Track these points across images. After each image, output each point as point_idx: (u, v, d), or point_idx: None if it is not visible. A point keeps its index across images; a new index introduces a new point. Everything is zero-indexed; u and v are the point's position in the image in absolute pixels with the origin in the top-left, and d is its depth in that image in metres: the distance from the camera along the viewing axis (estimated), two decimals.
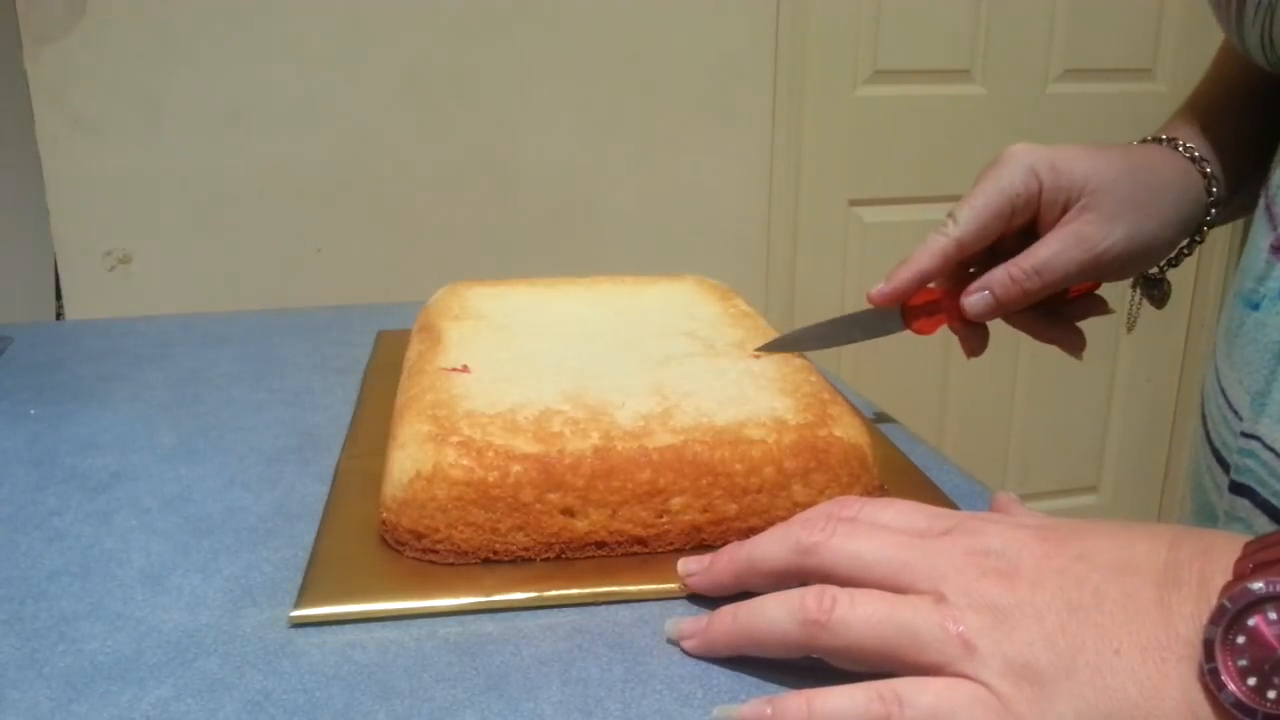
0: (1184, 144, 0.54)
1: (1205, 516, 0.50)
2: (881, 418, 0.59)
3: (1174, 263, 0.57)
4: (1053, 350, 0.57)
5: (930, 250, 0.52)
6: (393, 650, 0.36)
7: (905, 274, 0.53)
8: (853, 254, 1.68)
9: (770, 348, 0.53)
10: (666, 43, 1.51)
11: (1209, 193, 0.54)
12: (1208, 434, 0.50)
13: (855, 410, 0.49)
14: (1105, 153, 0.51)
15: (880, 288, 0.53)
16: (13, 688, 0.34)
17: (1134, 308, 0.60)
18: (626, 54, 1.51)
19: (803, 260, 1.66)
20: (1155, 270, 0.57)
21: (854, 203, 1.67)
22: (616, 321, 0.57)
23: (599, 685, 0.34)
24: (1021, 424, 1.88)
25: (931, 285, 0.54)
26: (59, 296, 1.37)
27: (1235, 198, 0.56)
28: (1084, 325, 0.57)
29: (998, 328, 0.55)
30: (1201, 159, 0.54)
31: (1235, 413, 0.45)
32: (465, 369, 0.49)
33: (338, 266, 1.46)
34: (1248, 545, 0.28)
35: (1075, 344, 0.56)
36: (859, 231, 1.68)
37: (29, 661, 0.35)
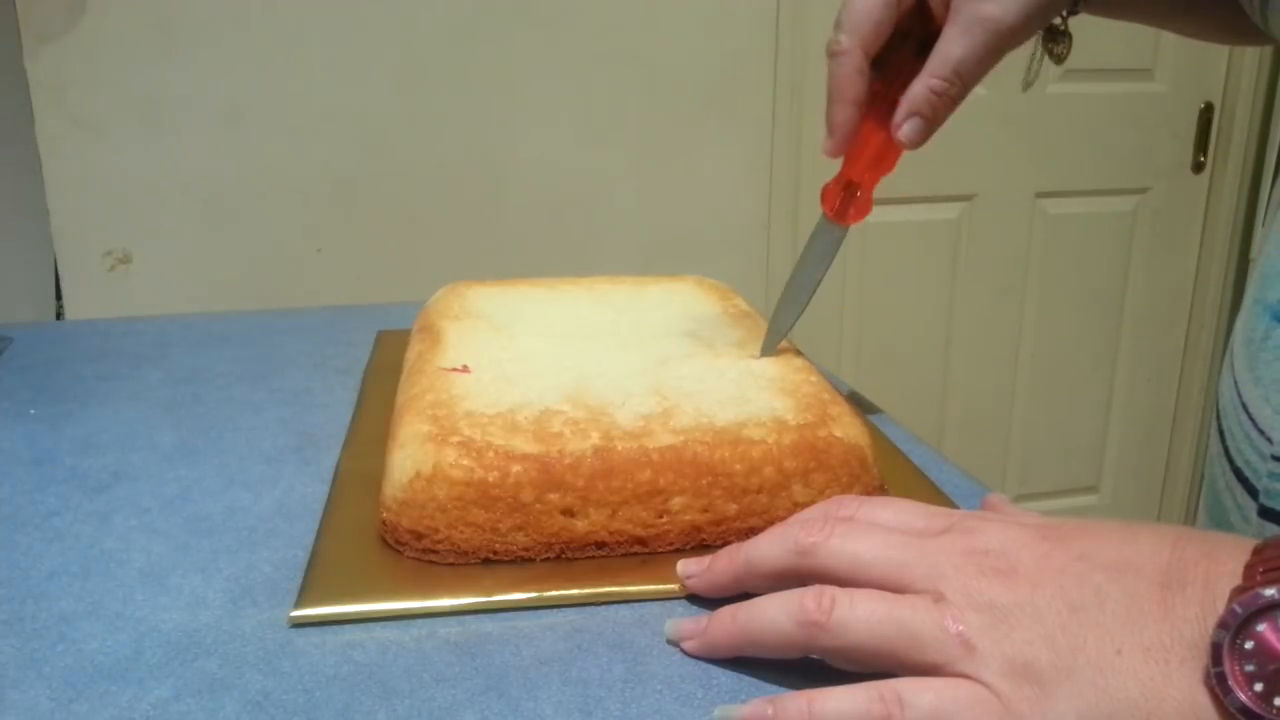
0: None
1: None
2: (880, 415, 0.59)
3: (1075, 11, 0.53)
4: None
5: (841, 77, 0.49)
6: (393, 650, 0.36)
7: (838, 114, 0.50)
8: (853, 254, 1.68)
9: (768, 348, 0.52)
10: (666, 43, 1.52)
11: None
12: (1227, 450, 0.46)
13: (855, 410, 0.49)
14: None
15: (828, 144, 0.51)
16: (13, 688, 0.34)
17: (1034, 63, 0.56)
18: (626, 54, 1.51)
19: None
20: (1057, 21, 0.54)
21: None
22: (616, 321, 0.57)
23: (599, 685, 0.34)
24: (1021, 424, 1.88)
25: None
26: (59, 296, 1.37)
27: None
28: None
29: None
30: None
31: (1262, 433, 0.42)
32: (465, 369, 0.48)
33: (338, 266, 1.46)
34: (1257, 549, 0.28)
35: None
36: (859, 231, 1.67)
37: (29, 661, 0.35)
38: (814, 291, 0.53)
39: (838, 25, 0.49)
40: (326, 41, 1.38)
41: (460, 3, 1.41)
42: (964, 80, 0.47)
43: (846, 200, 0.52)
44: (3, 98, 1.30)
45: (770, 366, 0.50)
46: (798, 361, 0.51)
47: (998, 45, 0.47)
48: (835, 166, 0.52)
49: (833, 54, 0.49)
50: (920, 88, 0.47)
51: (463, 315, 0.57)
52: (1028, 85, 0.58)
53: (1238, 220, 1.84)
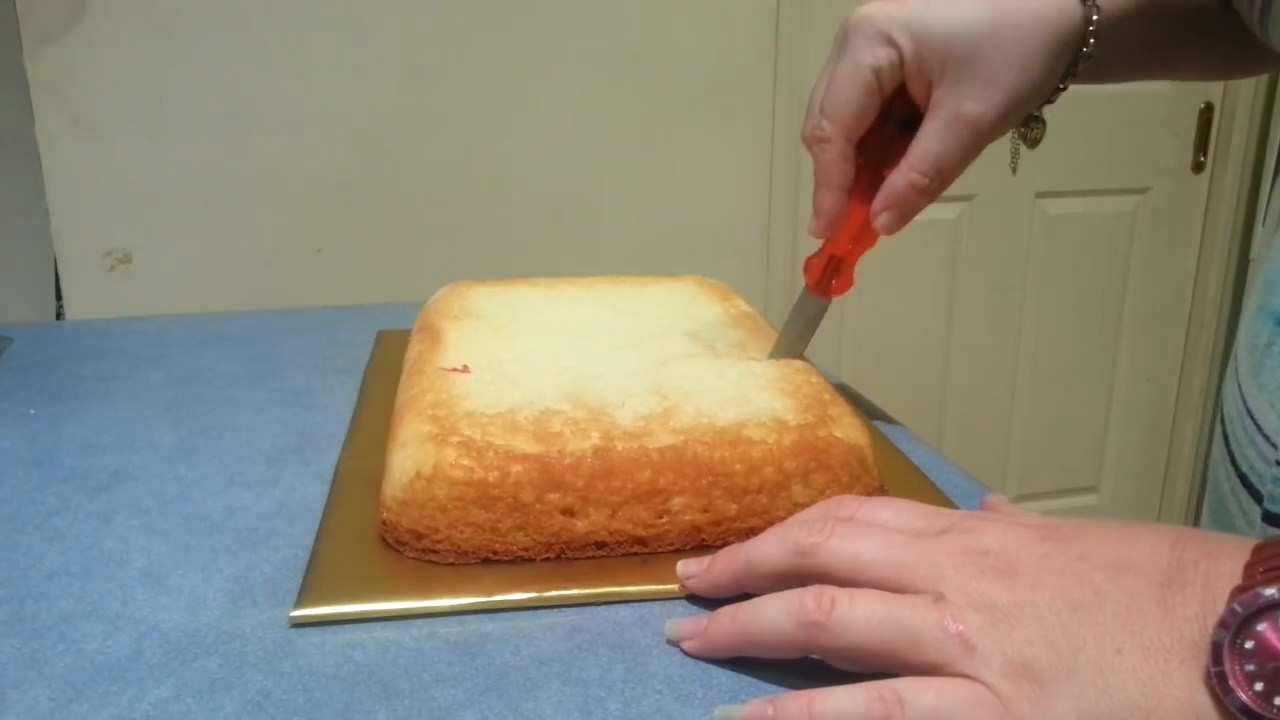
0: None
1: None
2: (879, 415, 0.59)
3: (1051, 101, 0.52)
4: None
5: (827, 164, 0.49)
6: (393, 650, 0.36)
7: (824, 199, 0.50)
8: None
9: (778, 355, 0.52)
10: (666, 43, 1.52)
11: (1088, 21, 0.48)
12: (1231, 455, 0.46)
13: (855, 411, 0.49)
14: (963, 7, 0.46)
15: (814, 226, 0.51)
16: (13, 688, 0.34)
17: (1015, 149, 0.56)
18: (626, 54, 1.51)
19: (803, 260, 1.66)
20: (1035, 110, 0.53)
21: None
22: (616, 321, 0.57)
23: (599, 685, 0.34)
24: (1021, 424, 1.88)
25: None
26: (59, 296, 1.37)
27: (1124, 25, 0.50)
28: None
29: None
30: None
31: (1267, 439, 0.42)
32: (465, 369, 0.48)
33: (338, 266, 1.46)
34: (1257, 549, 0.28)
35: None
36: None
37: (29, 661, 0.35)
38: (803, 346, 0.54)
39: (821, 111, 0.48)
40: (326, 41, 1.38)
41: (460, 3, 1.41)
42: (943, 176, 0.48)
43: (829, 274, 0.53)
44: (3, 98, 1.30)
45: (771, 367, 0.50)
46: (799, 362, 0.51)
47: (978, 142, 0.47)
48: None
49: (816, 140, 0.49)
50: (901, 181, 0.48)
51: (463, 315, 0.57)
52: (1015, 169, 0.59)
53: (1238, 220, 1.84)
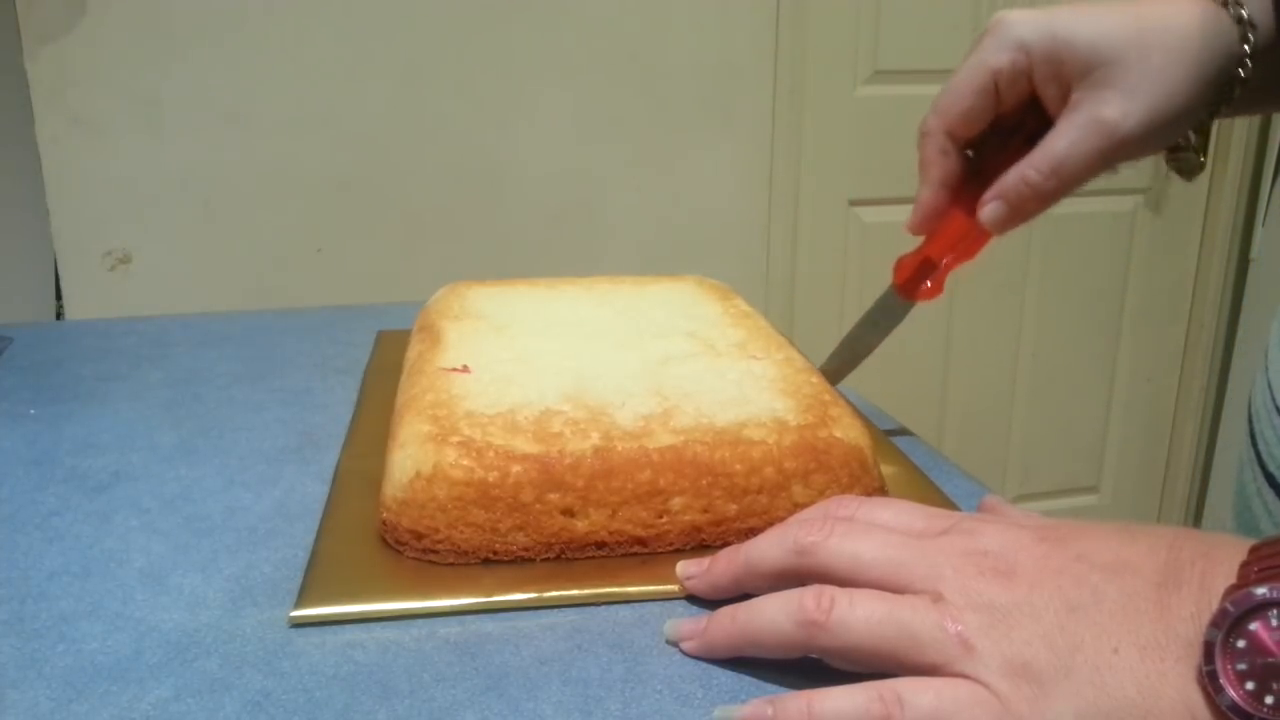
0: None
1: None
2: (880, 415, 0.59)
3: (1204, 130, 0.48)
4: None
5: (924, 157, 0.47)
6: (393, 650, 0.36)
7: (921, 193, 0.48)
8: (853, 254, 1.69)
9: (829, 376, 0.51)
10: (666, 43, 1.52)
11: (1244, 40, 0.45)
12: (1258, 454, 0.45)
13: (856, 411, 0.49)
14: (1111, 14, 0.44)
15: (911, 220, 0.49)
16: (13, 688, 0.34)
17: (1161, 174, 0.56)
18: (626, 54, 1.51)
19: (803, 260, 1.67)
20: (1182, 139, 0.49)
21: (854, 203, 1.67)
22: (616, 321, 0.57)
23: (599, 685, 0.34)
24: (1021, 424, 1.88)
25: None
26: (59, 296, 1.37)
27: None
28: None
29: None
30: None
31: None
32: (465, 369, 0.48)
33: (338, 266, 1.46)
34: (1254, 549, 0.28)
35: None
36: (859, 231, 1.68)
37: (29, 661, 0.35)
38: (866, 356, 0.52)
39: (935, 99, 0.47)
40: (326, 41, 1.38)
41: (460, 3, 1.41)
42: (1062, 179, 0.44)
43: (919, 277, 0.51)
44: (3, 98, 1.30)
45: (771, 367, 0.50)
46: (799, 362, 0.51)
47: (1109, 152, 0.43)
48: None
49: (920, 132, 0.47)
50: (1014, 175, 0.45)
51: (463, 315, 0.57)
52: (1156, 205, 0.56)
53: (1238, 220, 1.84)
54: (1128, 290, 1.86)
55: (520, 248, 1.53)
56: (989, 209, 0.46)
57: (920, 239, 0.51)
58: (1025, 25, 0.44)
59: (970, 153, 0.49)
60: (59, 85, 1.30)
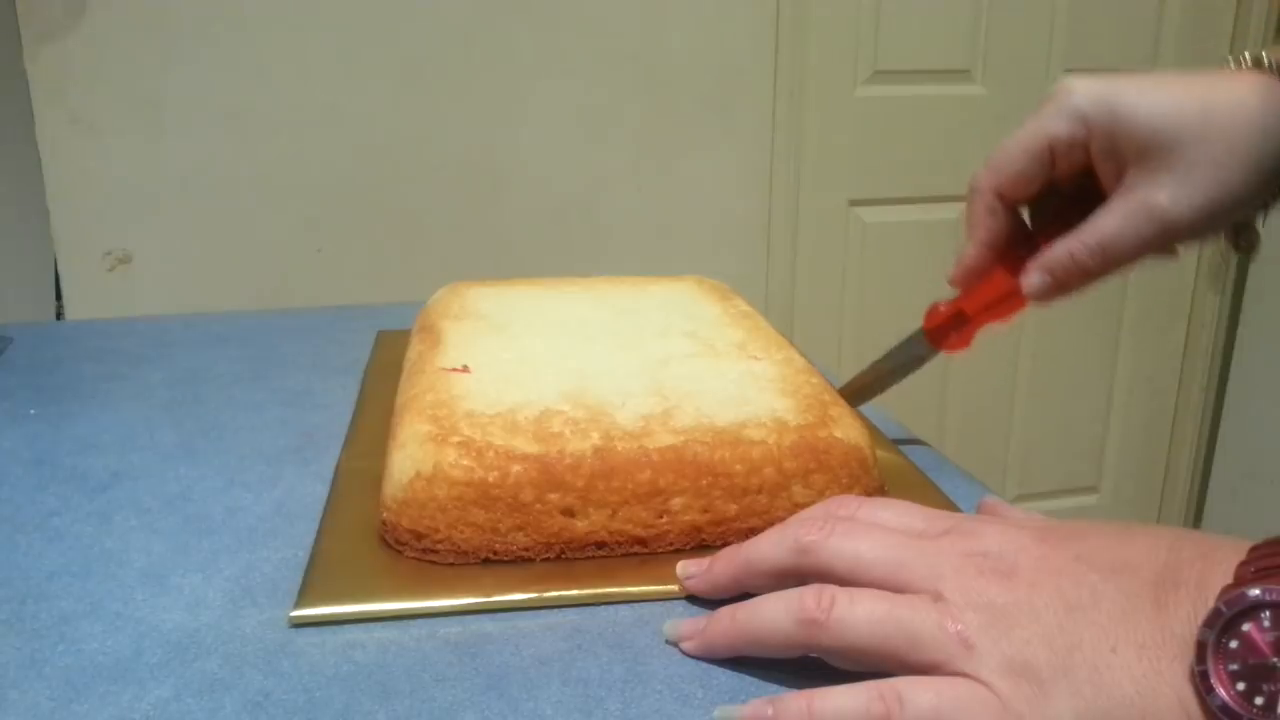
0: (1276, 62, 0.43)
1: None
2: (880, 415, 0.59)
3: (1264, 211, 0.46)
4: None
5: (971, 213, 0.47)
6: (393, 650, 0.36)
7: (968, 251, 0.48)
8: (853, 254, 1.68)
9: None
10: (666, 43, 1.51)
11: None
12: None
13: (856, 411, 0.49)
14: (1174, 92, 0.42)
15: (953, 274, 0.49)
16: (13, 688, 0.34)
17: (1222, 258, 0.54)
18: (626, 54, 1.51)
19: (803, 260, 1.67)
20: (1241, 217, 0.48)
21: (854, 203, 1.67)
22: (616, 321, 0.57)
23: (599, 685, 0.34)
24: (1021, 424, 1.88)
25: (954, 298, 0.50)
26: (59, 296, 1.37)
27: None
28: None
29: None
30: None
31: None
32: (465, 369, 0.49)
33: (338, 266, 1.46)
34: (1253, 549, 0.28)
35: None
36: (859, 231, 1.68)
37: (29, 661, 0.35)
38: (881, 393, 0.52)
39: (990, 157, 0.46)
40: (326, 41, 1.38)
41: (460, 3, 1.41)
42: (1108, 259, 0.44)
43: (949, 327, 0.50)
44: (3, 98, 1.30)
45: (771, 367, 0.50)
46: (799, 362, 0.51)
47: (1160, 236, 0.43)
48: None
49: (970, 188, 0.47)
50: (1061, 249, 0.44)
51: (463, 315, 0.57)
52: (1219, 287, 0.54)
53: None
54: (1128, 291, 1.86)
55: (520, 248, 1.53)
56: (1032, 279, 0.46)
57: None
58: (1087, 96, 0.43)
59: (1024, 211, 0.48)
60: (59, 85, 1.30)
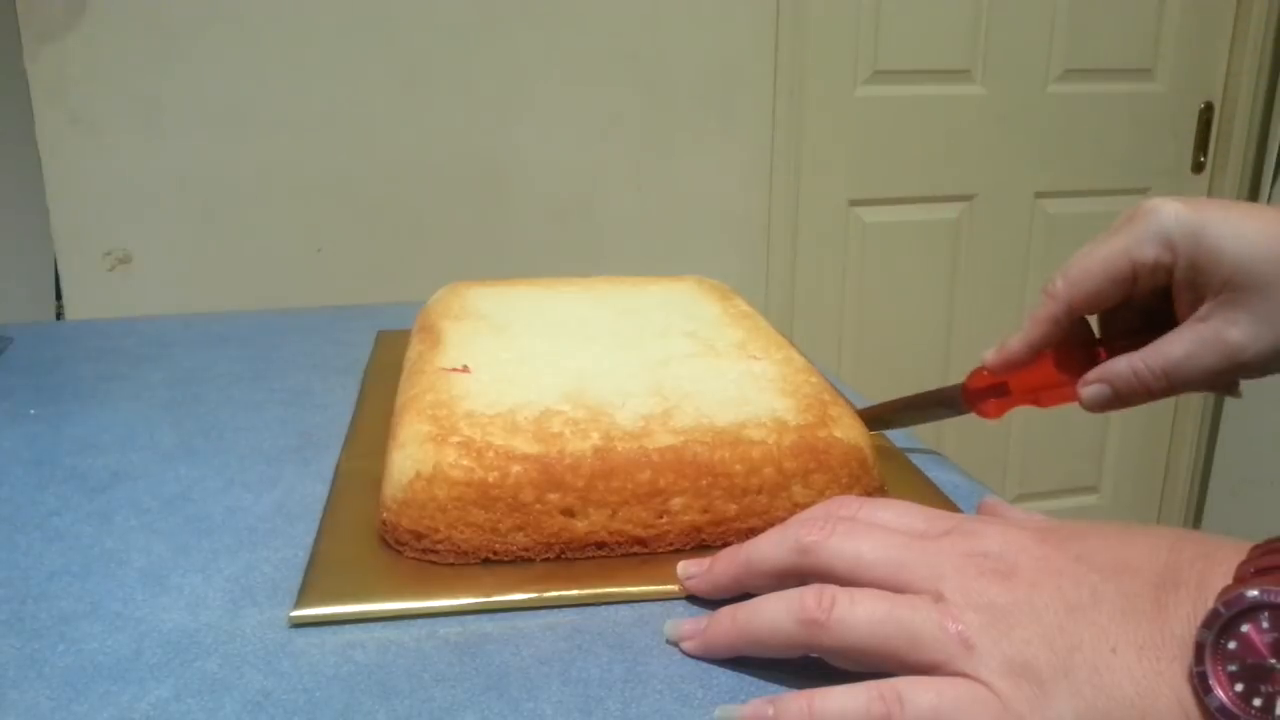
0: None
1: None
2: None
3: None
4: None
5: (1039, 318, 0.46)
6: (393, 650, 0.36)
7: (1016, 344, 0.47)
8: (853, 254, 1.68)
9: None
10: (666, 43, 1.52)
11: None
12: None
13: (856, 411, 0.49)
14: (1265, 228, 0.41)
15: (992, 357, 0.48)
16: (13, 688, 0.34)
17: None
18: (626, 54, 1.51)
19: (803, 260, 1.67)
20: None
21: (854, 203, 1.67)
22: (616, 322, 0.57)
23: (599, 685, 0.34)
24: (1021, 424, 1.88)
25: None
26: (59, 296, 1.37)
27: None
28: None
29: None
30: None
31: None
32: (465, 369, 0.48)
33: (338, 266, 1.46)
34: (1254, 548, 0.28)
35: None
36: (859, 231, 1.68)
37: (29, 661, 0.35)
38: (899, 427, 0.53)
39: (1067, 268, 0.45)
40: (326, 41, 1.38)
41: (460, 3, 1.41)
42: (1171, 383, 0.43)
43: (988, 393, 0.50)
44: (3, 98, 1.30)
45: (771, 367, 0.50)
46: (799, 362, 0.51)
47: (1229, 370, 0.42)
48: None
49: (1044, 291, 0.46)
50: (1125, 365, 0.44)
51: (463, 315, 0.57)
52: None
53: None
54: None
55: (520, 248, 1.53)
56: (1092, 390, 0.45)
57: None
58: (1174, 221, 0.42)
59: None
60: (59, 85, 1.30)
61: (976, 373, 0.50)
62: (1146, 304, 0.45)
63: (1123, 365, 0.44)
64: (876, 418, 0.53)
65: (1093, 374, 0.45)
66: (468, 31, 1.43)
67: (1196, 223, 0.42)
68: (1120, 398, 0.45)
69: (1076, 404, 0.46)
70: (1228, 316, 0.41)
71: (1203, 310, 0.42)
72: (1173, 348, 0.43)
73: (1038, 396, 0.49)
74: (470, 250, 1.51)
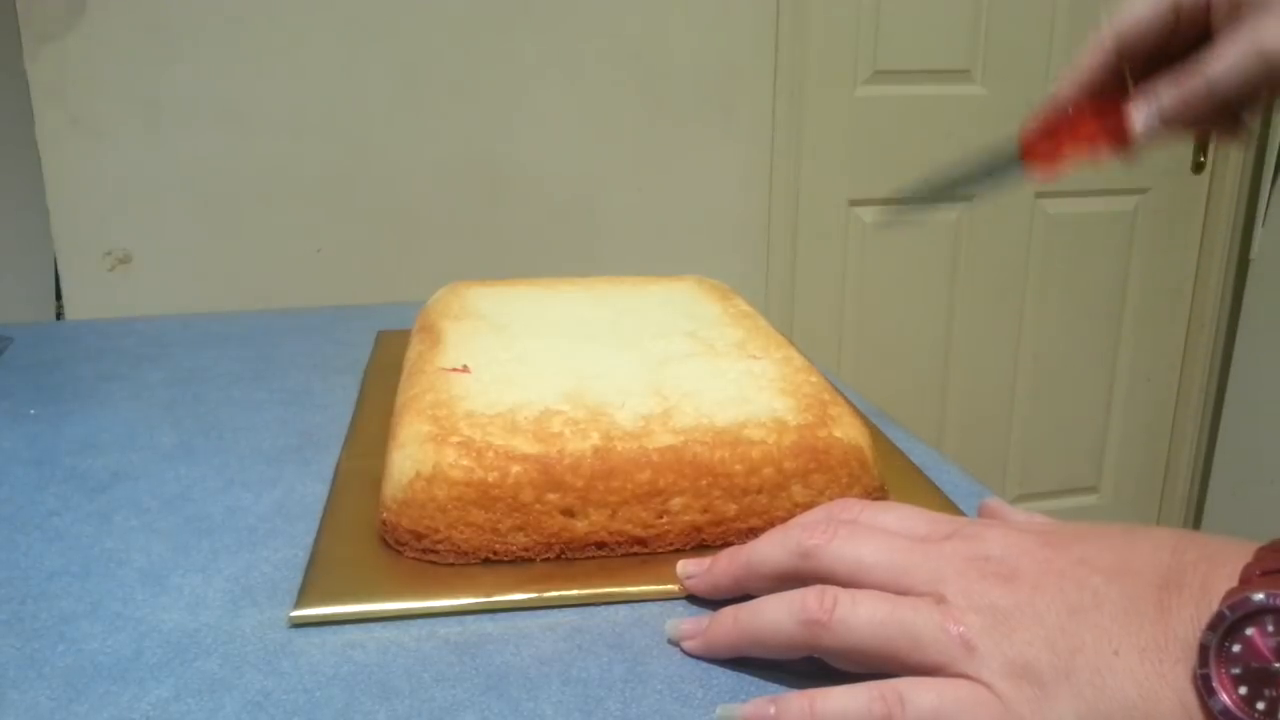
0: None
1: None
2: (880, 415, 0.59)
3: None
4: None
5: (1081, 57, 0.47)
6: (393, 650, 0.36)
7: (1067, 85, 0.48)
8: (853, 254, 1.68)
9: (887, 220, 0.50)
10: (666, 43, 1.51)
11: None
12: None
13: (855, 411, 0.49)
14: None
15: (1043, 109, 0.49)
16: (13, 688, 0.34)
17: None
18: (626, 54, 1.51)
19: (803, 260, 1.67)
20: None
21: (854, 203, 1.67)
22: (616, 321, 0.57)
23: (599, 685, 0.34)
24: (1021, 424, 1.88)
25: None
26: (59, 296, 1.37)
27: None
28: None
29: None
30: None
31: None
32: (465, 369, 0.48)
33: (338, 266, 1.46)
34: (1260, 550, 0.28)
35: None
36: (859, 231, 1.68)
37: (29, 661, 0.35)
38: (957, 200, 0.51)
39: (1109, 19, 0.47)
40: (326, 41, 1.38)
41: (460, 3, 1.41)
42: (1213, 95, 0.43)
43: (1047, 133, 0.49)
44: (3, 98, 1.30)
45: (771, 367, 0.50)
46: (798, 361, 0.51)
47: (1264, 77, 0.42)
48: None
49: (1090, 42, 0.47)
50: (1168, 83, 0.45)
51: (463, 315, 0.57)
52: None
53: (1238, 220, 1.84)
54: (1127, 290, 1.86)
55: (520, 248, 1.53)
56: (1140, 111, 0.45)
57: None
58: None
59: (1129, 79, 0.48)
60: (59, 85, 1.30)
61: (1026, 132, 0.50)
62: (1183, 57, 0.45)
63: (1165, 84, 0.45)
64: (937, 188, 0.52)
65: (1137, 99, 0.45)
66: (468, 32, 1.43)
67: None
68: (1166, 117, 0.45)
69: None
70: (1262, 22, 0.42)
71: (1242, 19, 0.43)
72: (1216, 60, 0.43)
73: (1092, 136, 0.48)
74: (470, 250, 1.51)
